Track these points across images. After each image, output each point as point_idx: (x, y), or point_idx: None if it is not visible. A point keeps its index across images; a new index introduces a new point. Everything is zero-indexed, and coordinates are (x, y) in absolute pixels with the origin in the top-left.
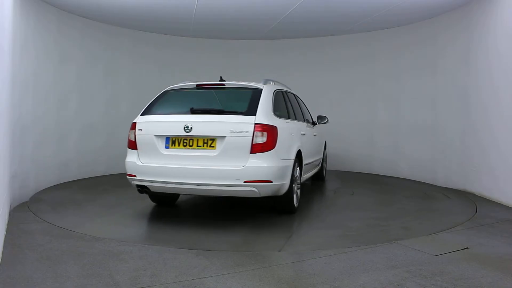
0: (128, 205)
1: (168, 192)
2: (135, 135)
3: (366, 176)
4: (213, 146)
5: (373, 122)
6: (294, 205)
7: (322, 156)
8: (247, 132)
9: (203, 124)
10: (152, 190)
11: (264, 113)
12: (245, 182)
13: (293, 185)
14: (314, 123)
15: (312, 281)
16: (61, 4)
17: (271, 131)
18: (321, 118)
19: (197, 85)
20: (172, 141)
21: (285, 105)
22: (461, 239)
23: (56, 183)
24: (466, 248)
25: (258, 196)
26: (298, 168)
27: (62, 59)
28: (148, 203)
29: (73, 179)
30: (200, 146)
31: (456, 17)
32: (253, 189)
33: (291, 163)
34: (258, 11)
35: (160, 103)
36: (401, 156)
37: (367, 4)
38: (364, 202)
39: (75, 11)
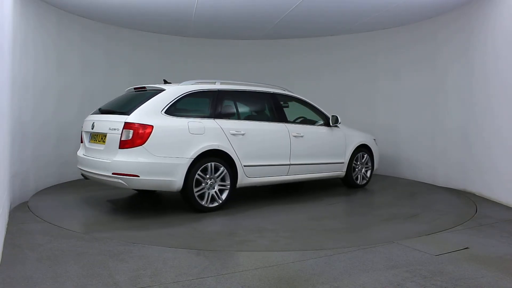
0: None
1: (89, 179)
2: (82, 131)
3: (415, 184)
4: (104, 141)
5: (372, 122)
6: (199, 203)
7: (343, 160)
8: (118, 129)
9: (98, 122)
10: (86, 177)
11: (143, 113)
12: (112, 174)
13: (203, 184)
14: (327, 124)
15: (312, 281)
16: (61, 4)
17: (139, 129)
18: (332, 119)
19: (134, 88)
20: (91, 136)
21: (211, 105)
22: (461, 239)
23: (56, 183)
24: (466, 248)
25: (129, 188)
26: (223, 168)
27: (62, 59)
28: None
29: (73, 179)
30: (99, 141)
31: (456, 16)
32: (120, 181)
33: (184, 161)
34: (257, 11)
35: (104, 104)
36: (401, 156)
37: (367, 4)
38: (303, 215)
39: (75, 11)
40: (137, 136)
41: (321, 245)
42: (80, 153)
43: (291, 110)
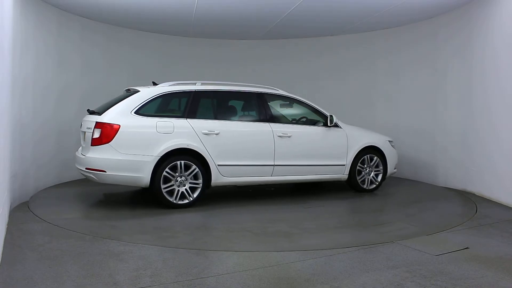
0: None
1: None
2: (80, 131)
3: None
4: (85, 140)
5: (372, 122)
6: (167, 199)
7: (344, 162)
8: (91, 128)
9: (84, 122)
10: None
11: (113, 113)
12: (86, 168)
13: (172, 181)
14: (325, 124)
15: (312, 281)
16: (61, 4)
17: (105, 128)
18: (328, 119)
19: (125, 89)
20: (83, 135)
21: (186, 106)
22: (461, 239)
23: (56, 183)
24: (466, 248)
25: (100, 181)
26: (195, 167)
27: (62, 59)
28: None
29: (73, 179)
30: (84, 139)
31: (456, 16)
32: (92, 175)
33: (150, 158)
34: (257, 11)
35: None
36: (401, 156)
37: (367, 5)
38: (262, 216)
39: (75, 11)
40: (104, 135)
41: (231, 247)
42: (79, 151)
43: (283, 110)
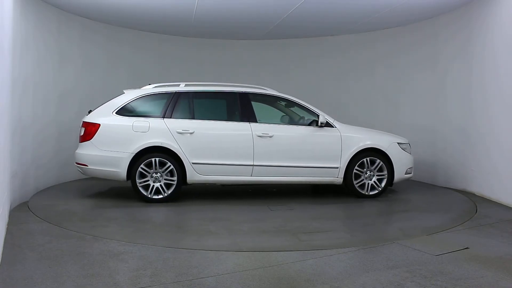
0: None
1: None
2: None
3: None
4: None
5: (372, 122)
6: (142, 193)
7: (337, 164)
8: (80, 126)
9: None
10: None
11: (97, 113)
12: (76, 163)
13: (147, 177)
14: (316, 123)
15: (312, 281)
16: (61, 4)
17: (88, 126)
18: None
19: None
20: None
21: (165, 106)
22: (461, 239)
23: (56, 183)
24: (466, 248)
25: (85, 175)
26: (169, 164)
27: (63, 59)
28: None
29: (73, 179)
30: None
31: (456, 16)
32: (79, 169)
33: (125, 155)
34: (258, 12)
35: None
36: None
37: (367, 6)
38: (214, 215)
39: (75, 11)
40: (87, 133)
41: (134, 240)
42: None
43: (266, 110)
